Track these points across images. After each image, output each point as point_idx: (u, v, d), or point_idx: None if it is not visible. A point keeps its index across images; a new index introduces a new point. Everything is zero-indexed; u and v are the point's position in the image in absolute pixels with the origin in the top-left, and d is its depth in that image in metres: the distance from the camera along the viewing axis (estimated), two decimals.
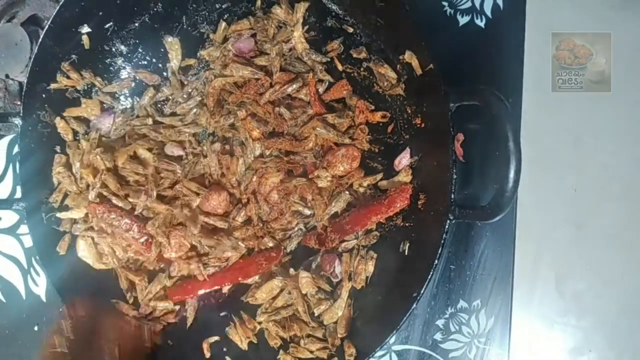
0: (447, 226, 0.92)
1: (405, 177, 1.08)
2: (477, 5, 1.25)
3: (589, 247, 1.29)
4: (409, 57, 1.01)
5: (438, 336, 1.23)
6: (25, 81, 1.08)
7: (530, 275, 1.27)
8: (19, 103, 1.17)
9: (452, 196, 0.92)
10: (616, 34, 1.27)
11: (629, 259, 1.29)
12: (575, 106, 1.29)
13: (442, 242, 0.92)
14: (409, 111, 1.07)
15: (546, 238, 1.29)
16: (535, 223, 1.28)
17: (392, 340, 1.20)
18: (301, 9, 1.12)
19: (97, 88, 1.18)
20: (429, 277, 0.93)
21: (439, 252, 0.93)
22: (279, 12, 1.13)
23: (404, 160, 1.08)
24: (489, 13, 1.25)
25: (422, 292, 0.94)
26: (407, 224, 1.09)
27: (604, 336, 1.28)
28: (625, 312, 1.29)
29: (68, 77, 1.14)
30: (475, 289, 1.23)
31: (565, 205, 1.30)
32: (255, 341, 1.14)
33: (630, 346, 1.29)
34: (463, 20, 1.26)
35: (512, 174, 0.81)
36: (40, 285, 1.31)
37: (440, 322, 1.23)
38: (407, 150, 1.08)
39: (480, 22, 1.25)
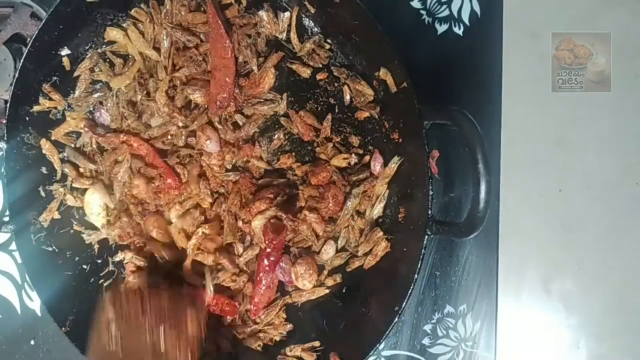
0: (425, 242, 0.93)
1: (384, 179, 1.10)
2: (455, 13, 1.25)
3: (575, 247, 1.30)
4: (383, 74, 1.02)
5: (426, 341, 1.25)
6: (8, 105, 1.09)
7: (517, 276, 1.28)
8: (4, 121, 1.17)
9: (429, 212, 0.94)
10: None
11: (616, 257, 1.30)
12: (558, 105, 1.30)
13: (421, 256, 0.94)
14: (387, 126, 1.09)
15: (531, 238, 1.30)
16: (520, 224, 1.29)
17: (382, 346, 1.23)
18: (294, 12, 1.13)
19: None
20: (409, 292, 0.95)
21: (418, 266, 0.94)
22: (264, 15, 1.13)
23: (377, 164, 1.09)
24: (466, 21, 1.25)
25: (403, 306, 0.95)
26: (388, 237, 1.10)
27: (591, 334, 1.30)
28: (612, 309, 1.31)
29: (50, 99, 1.14)
30: (461, 294, 1.24)
31: (550, 205, 1.31)
32: None
33: (618, 344, 1.31)
34: (441, 28, 1.26)
35: (482, 195, 0.82)
36: (35, 300, 1.32)
37: (427, 327, 1.25)
38: (376, 152, 1.10)
39: (459, 30, 1.25)
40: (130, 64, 1.16)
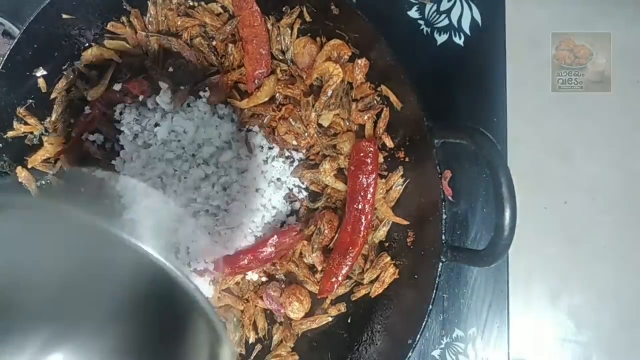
0: (439, 270, 0.87)
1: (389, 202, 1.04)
2: (455, 22, 1.20)
3: (582, 261, 1.26)
4: (385, 90, 0.96)
5: None
6: None
7: (524, 293, 1.23)
8: None
9: (443, 237, 0.87)
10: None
11: (624, 270, 1.26)
12: (560, 115, 1.26)
13: (436, 286, 0.87)
14: (392, 144, 1.02)
15: (538, 254, 1.25)
16: (526, 239, 1.24)
17: None
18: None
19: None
20: (424, 324, 0.88)
21: (433, 296, 0.88)
22: None
23: None
24: (467, 30, 1.20)
25: (417, 339, 0.89)
26: (396, 262, 1.04)
27: (603, 350, 1.25)
28: (623, 324, 1.26)
29: (25, 123, 1.07)
30: (471, 317, 1.18)
31: (556, 218, 1.26)
32: None
33: (630, 359, 1.26)
34: (441, 38, 1.21)
35: (507, 222, 0.76)
36: None
37: (436, 353, 1.19)
38: None
39: (459, 40, 1.20)
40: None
